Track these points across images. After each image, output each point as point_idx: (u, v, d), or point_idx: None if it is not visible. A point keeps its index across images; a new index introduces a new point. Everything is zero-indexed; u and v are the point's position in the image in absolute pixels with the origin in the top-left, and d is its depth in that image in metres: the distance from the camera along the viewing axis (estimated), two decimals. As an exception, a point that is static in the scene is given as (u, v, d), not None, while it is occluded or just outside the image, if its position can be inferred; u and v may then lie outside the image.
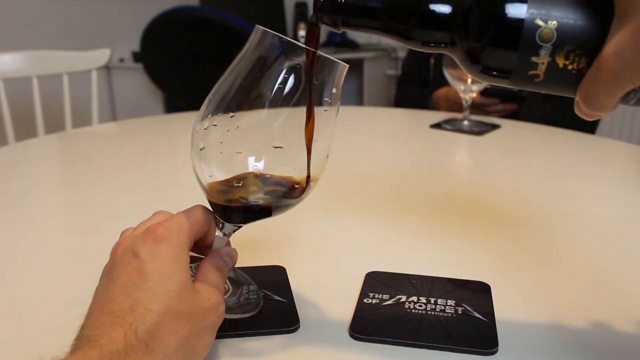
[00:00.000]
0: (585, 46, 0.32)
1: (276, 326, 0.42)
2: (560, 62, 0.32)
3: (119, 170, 0.84)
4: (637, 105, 0.35)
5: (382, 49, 2.89)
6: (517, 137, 1.06)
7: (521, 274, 0.51)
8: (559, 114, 1.38)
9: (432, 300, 0.45)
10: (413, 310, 0.43)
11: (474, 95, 1.08)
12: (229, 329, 0.41)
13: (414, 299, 0.45)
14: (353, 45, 2.86)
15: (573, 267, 0.52)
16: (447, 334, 0.40)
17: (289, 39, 0.37)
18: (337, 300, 0.46)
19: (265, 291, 0.46)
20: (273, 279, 0.48)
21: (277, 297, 0.45)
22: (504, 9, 0.32)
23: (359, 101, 3.00)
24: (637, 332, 0.42)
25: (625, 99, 0.33)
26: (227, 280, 0.45)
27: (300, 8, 2.97)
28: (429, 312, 0.43)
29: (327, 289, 0.48)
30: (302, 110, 0.39)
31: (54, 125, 1.58)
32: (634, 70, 0.29)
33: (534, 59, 0.32)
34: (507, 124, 1.12)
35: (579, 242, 0.58)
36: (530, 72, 0.33)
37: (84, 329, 0.32)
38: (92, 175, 0.82)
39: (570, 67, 0.32)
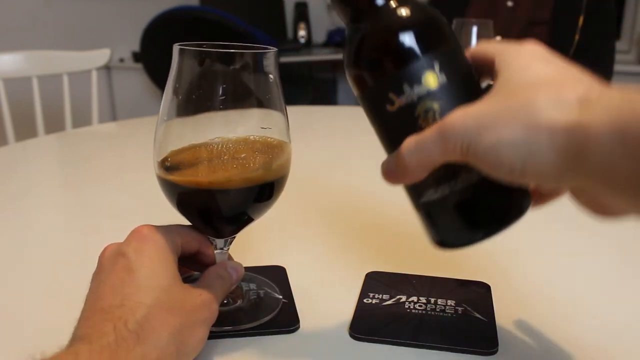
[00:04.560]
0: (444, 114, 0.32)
1: (276, 326, 0.41)
2: (421, 109, 0.33)
3: (119, 170, 0.84)
4: (420, 213, 0.36)
5: (382, 49, 2.89)
6: (517, 137, 1.06)
7: (521, 274, 0.51)
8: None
9: (432, 300, 0.45)
10: (413, 310, 0.43)
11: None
12: (229, 329, 0.41)
13: (414, 299, 0.45)
14: (353, 45, 2.85)
15: (573, 266, 0.52)
16: (447, 334, 0.40)
17: (208, 49, 0.37)
18: (337, 300, 0.46)
19: (265, 289, 0.46)
20: (273, 279, 0.48)
21: (277, 297, 0.45)
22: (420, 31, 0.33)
23: (359, 101, 3.00)
24: (638, 331, 0.42)
25: (422, 191, 0.34)
26: (241, 287, 0.45)
27: (300, 8, 2.96)
28: (429, 312, 0.43)
29: (327, 289, 0.48)
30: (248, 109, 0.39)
31: (54, 125, 1.57)
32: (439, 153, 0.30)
33: (405, 87, 0.33)
34: (507, 124, 1.12)
35: (579, 241, 0.58)
36: (390, 96, 0.33)
37: (76, 330, 0.32)
38: (92, 175, 0.82)
39: (421, 121, 0.33)
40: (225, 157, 0.39)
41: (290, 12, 3.00)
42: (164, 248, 0.36)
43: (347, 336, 0.41)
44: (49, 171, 0.88)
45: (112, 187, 0.76)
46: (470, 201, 0.34)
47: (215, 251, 0.43)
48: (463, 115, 0.29)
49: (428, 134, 0.30)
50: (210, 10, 2.05)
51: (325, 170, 0.84)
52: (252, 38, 1.90)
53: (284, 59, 2.49)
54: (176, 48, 0.38)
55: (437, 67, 0.32)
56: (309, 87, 3.12)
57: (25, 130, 1.52)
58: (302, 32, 2.94)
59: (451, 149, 0.29)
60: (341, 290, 0.47)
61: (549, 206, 0.71)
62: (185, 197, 0.39)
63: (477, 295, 0.46)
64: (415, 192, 0.35)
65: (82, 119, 1.60)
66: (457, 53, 0.34)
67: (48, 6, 2.32)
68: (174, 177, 0.39)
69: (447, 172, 0.33)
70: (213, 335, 0.40)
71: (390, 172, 0.33)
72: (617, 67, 1.46)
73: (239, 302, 0.44)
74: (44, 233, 0.61)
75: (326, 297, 0.46)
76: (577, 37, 1.36)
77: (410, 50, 0.33)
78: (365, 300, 0.45)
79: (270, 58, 0.39)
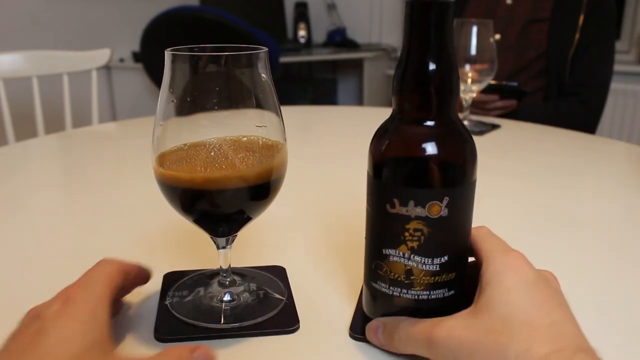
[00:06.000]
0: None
1: (276, 326, 0.41)
2: (413, 226, 0.35)
3: (119, 171, 0.84)
4: (367, 288, 0.40)
5: (382, 49, 2.89)
6: (517, 137, 1.06)
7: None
8: (559, 113, 1.38)
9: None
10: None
11: (474, 95, 1.08)
12: (229, 329, 0.41)
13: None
14: (353, 45, 2.86)
15: (573, 267, 0.52)
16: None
17: (199, 53, 0.38)
18: (337, 301, 0.46)
19: (265, 289, 0.46)
20: (273, 279, 0.48)
21: (277, 297, 0.45)
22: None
23: (359, 101, 3.00)
24: (637, 331, 0.42)
25: (377, 279, 0.38)
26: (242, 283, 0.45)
27: (300, 8, 2.96)
28: (429, 312, 0.43)
29: (327, 289, 0.48)
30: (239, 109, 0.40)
31: (54, 125, 1.57)
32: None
33: (410, 203, 0.35)
34: (507, 124, 1.12)
35: (579, 242, 0.58)
36: (394, 200, 0.35)
37: None
38: (92, 176, 0.82)
39: (407, 234, 0.36)
40: (222, 156, 0.39)
41: (290, 12, 3.00)
42: (91, 306, 0.34)
43: (347, 336, 0.41)
44: (49, 171, 0.88)
45: (112, 187, 0.76)
46: (410, 310, 0.38)
47: (218, 250, 0.43)
48: (447, 336, 0.33)
49: (419, 336, 0.35)
50: (210, 10, 2.05)
51: (326, 170, 0.84)
52: (252, 38, 1.90)
53: (284, 59, 2.49)
54: (168, 54, 0.38)
55: (445, 201, 0.35)
56: (309, 87, 3.12)
57: (25, 130, 1.52)
58: (302, 32, 2.93)
59: (433, 356, 0.34)
60: (341, 290, 0.47)
61: (548, 206, 0.71)
62: (182, 195, 0.39)
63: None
64: (371, 276, 0.39)
65: (82, 119, 1.60)
66: (469, 192, 0.37)
67: (48, 6, 2.32)
68: (171, 174, 0.39)
69: (404, 279, 0.37)
70: (213, 336, 0.40)
71: (376, 340, 0.38)
72: (617, 67, 1.45)
73: (258, 299, 0.44)
74: (44, 233, 0.61)
75: (326, 297, 0.46)
76: (577, 36, 1.36)
77: (431, 179, 0.35)
78: (365, 300, 0.45)
79: (261, 58, 0.39)
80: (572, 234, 0.60)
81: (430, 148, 0.35)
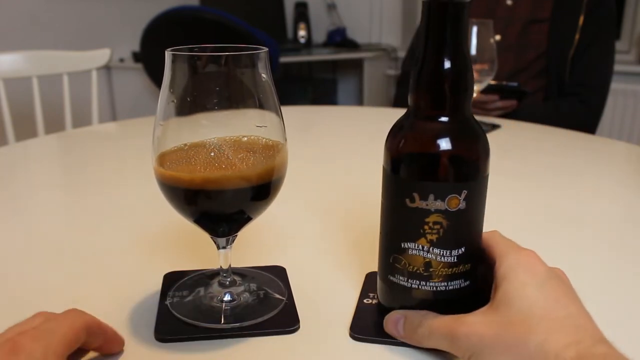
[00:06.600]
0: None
1: (276, 326, 0.42)
2: (432, 220, 0.37)
3: (119, 171, 0.84)
4: (385, 283, 0.41)
5: (382, 49, 2.89)
6: (517, 137, 1.06)
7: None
8: (559, 113, 1.38)
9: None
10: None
11: (474, 95, 1.08)
12: (229, 329, 0.41)
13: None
14: (353, 45, 2.86)
15: (573, 267, 0.52)
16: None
17: (199, 53, 0.38)
18: (337, 300, 0.46)
19: (266, 289, 0.46)
20: (273, 279, 0.48)
21: (277, 297, 0.45)
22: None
23: (359, 101, 3.00)
24: (637, 331, 0.42)
25: (395, 273, 0.39)
26: (243, 284, 0.45)
27: (300, 8, 2.96)
28: (429, 312, 0.43)
29: (327, 289, 0.48)
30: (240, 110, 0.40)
31: (54, 125, 1.57)
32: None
33: (430, 197, 0.36)
34: (507, 124, 1.12)
35: (579, 242, 0.58)
36: (414, 195, 0.36)
37: None
38: (92, 176, 0.82)
39: (427, 227, 0.37)
40: (222, 156, 0.39)
41: (290, 12, 3.00)
42: None
43: (347, 336, 0.41)
44: (49, 171, 0.88)
45: (112, 187, 0.76)
46: (428, 301, 0.39)
47: (218, 250, 0.43)
48: (468, 331, 0.34)
49: (441, 331, 0.36)
50: (210, 10, 2.05)
51: (326, 170, 0.84)
52: (252, 38, 1.90)
53: (284, 59, 2.49)
54: (168, 54, 0.38)
55: (463, 195, 0.36)
56: (309, 87, 3.12)
57: (25, 130, 1.52)
58: (302, 32, 2.93)
59: (455, 350, 0.36)
60: (341, 290, 0.47)
61: (548, 206, 0.71)
62: (182, 196, 0.39)
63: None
64: (389, 270, 0.39)
65: (82, 119, 1.60)
66: (483, 185, 0.38)
67: (48, 6, 2.32)
68: (172, 174, 0.39)
69: (423, 271, 0.38)
70: (213, 336, 0.40)
71: (395, 331, 0.39)
72: (617, 67, 1.45)
73: (258, 299, 0.44)
74: (44, 233, 0.61)
75: (326, 297, 0.46)
76: (577, 36, 1.36)
77: (451, 174, 0.36)
78: (365, 300, 0.45)
79: (262, 58, 0.39)
80: (572, 234, 0.60)
81: (452, 144, 0.36)
